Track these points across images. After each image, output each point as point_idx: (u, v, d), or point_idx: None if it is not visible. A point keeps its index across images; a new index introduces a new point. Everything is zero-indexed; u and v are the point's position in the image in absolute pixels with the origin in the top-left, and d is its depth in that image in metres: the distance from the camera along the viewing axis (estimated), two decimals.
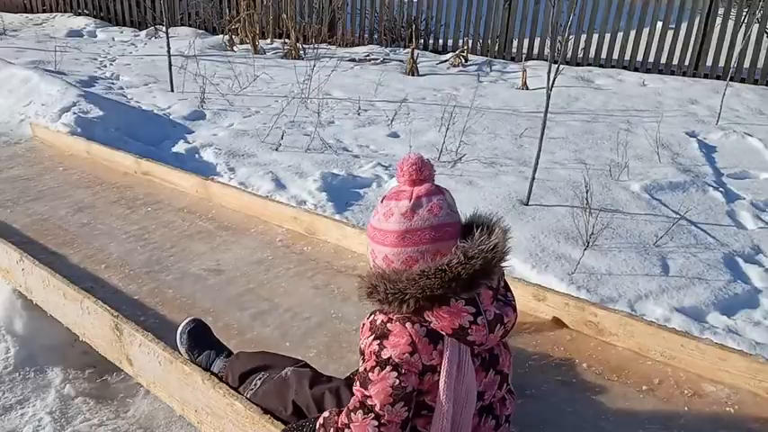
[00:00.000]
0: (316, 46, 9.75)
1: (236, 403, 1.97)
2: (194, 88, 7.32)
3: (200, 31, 10.78)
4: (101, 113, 5.84)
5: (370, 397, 1.54)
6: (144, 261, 3.22)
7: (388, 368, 1.52)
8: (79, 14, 11.98)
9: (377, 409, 1.54)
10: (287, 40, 9.67)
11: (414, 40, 9.63)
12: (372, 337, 1.57)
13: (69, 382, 2.99)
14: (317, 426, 1.70)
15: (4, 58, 7.86)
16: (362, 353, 1.59)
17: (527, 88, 8.45)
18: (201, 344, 2.28)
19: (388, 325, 1.56)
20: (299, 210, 3.51)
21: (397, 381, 1.52)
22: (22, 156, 5.10)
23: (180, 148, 5.66)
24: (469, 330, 1.55)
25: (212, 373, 2.14)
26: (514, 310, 1.69)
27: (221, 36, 10.25)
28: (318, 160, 5.39)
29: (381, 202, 1.63)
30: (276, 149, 5.60)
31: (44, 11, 12.43)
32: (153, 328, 2.57)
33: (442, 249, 1.55)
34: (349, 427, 1.58)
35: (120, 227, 3.63)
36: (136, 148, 5.46)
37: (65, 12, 12.16)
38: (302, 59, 9.11)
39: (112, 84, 7.90)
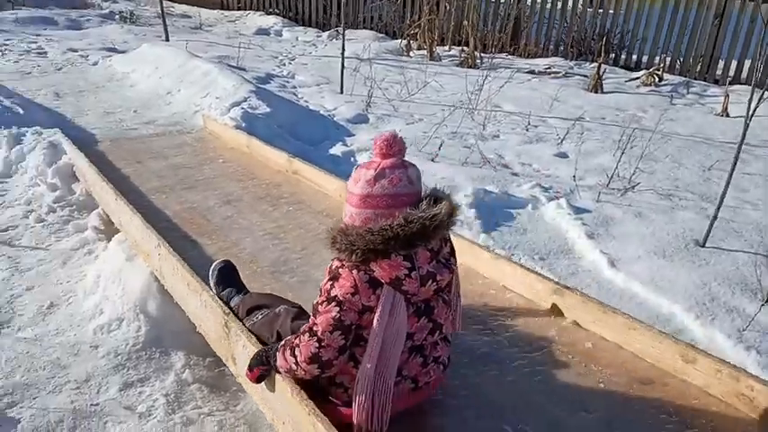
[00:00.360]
0: (494, 55, 9.64)
1: (319, 424, 1.93)
2: (363, 91, 7.47)
3: (381, 35, 11.03)
4: (267, 110, 6.11)
5: (317, 324, 1.95)
6: (272, 260, 3.29)
7: (333, 304, 1.92)
8: (270, 13, 12.69)
9: (319, 334, 1.94)
10: (465, 48, 9.63)
11: (603, 54, 9.23)
12: (328, 278, 1.96)
13: (189, 368, 3.10)
14: (279, 346, 2.10)
15: (192, 52, 8.49)
16: (320, 290, 1.97)
17: (727, 115, 7.77)
18: (227, 282, 2.81)
19: (340, 270, 1.94)
20: None
21: (338, 314, 1.91)
22: (190, 145, 5.44)
23: (337, 150, 5.79)
24: (404, 282, 1.91)
25: (230, 308, 2.62)
26: (451, 272, 2.06)
27: (400, 40, 10.41)
28: (474, 175, 5.29)
29: (356, 168, 1.98)
30: (432, 160, 5.57)
31: (239, 8, 13.29)
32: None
33: (396, 214, 1.88)
34: (298, 346, 1.99)
35: (259, 223, 3.75)
36: (294, 146, 5.66)
37: (257, 10, 12.93)
38: (477, 68, 9.03)
39: (287, 82, 8.26)
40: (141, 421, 2.75)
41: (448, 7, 10.20)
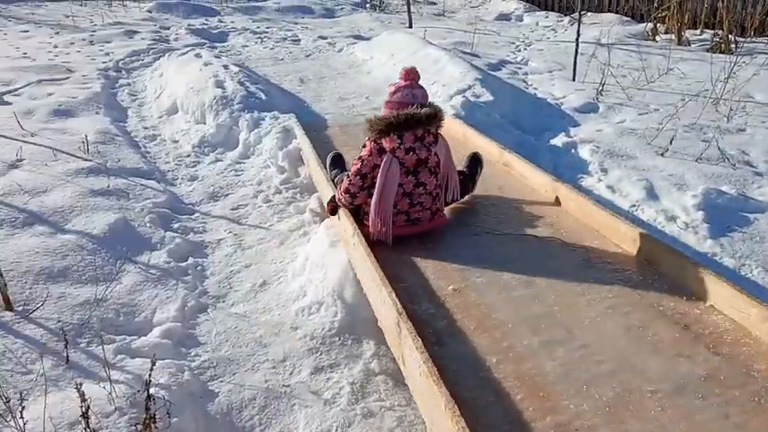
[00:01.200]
0: (752, 39, 8.56)
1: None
2: (597, 78, 7.01)
3: (626, 19, 10.28)
4: (490, 98, 5.94)
5: (350, 173, 3.39)
6: (464, 258, 3.16)
7: (360, 160, 3.32)
8: None
9: (350, 175, 3.36)
10: (719, 32, 8.66)
11: None
12: (362, 147, 3.34)
13: (377, 358, 3.08)
14: (336, 181, 3.81)
15: (429, 39, 8.51)
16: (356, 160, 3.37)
17: None
18: (337, 165, 4.17)
19: (366, 142, 3.35)
20: (641, 232, 3.05)
21: (360, 167, 3.30)
22: None
23: (558, 140, 5.47)
24: (396, 151, 3.22)
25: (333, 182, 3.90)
26: (429, 152, 3.30)
27: (645, 24, 9.63)
28: (707, 172, 4.72)
29: (390, 86, 3.41)
30: (662, 154, 5.06)
31: None
32: (438, 331, 2.50)
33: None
34: (341, 184, 3.46)
35: (459, 216, 3.63)
36: (513, 136, 5.44)
37: None
38: (731, 54, 8.08)
39: (519, 69, 8.00)
40: (325, 408, 2.77)
41: None
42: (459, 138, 5.02)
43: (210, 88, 6.16)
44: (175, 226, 4.31)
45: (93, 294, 3.32)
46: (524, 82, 7.35)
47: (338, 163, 4.15)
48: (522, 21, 11.40)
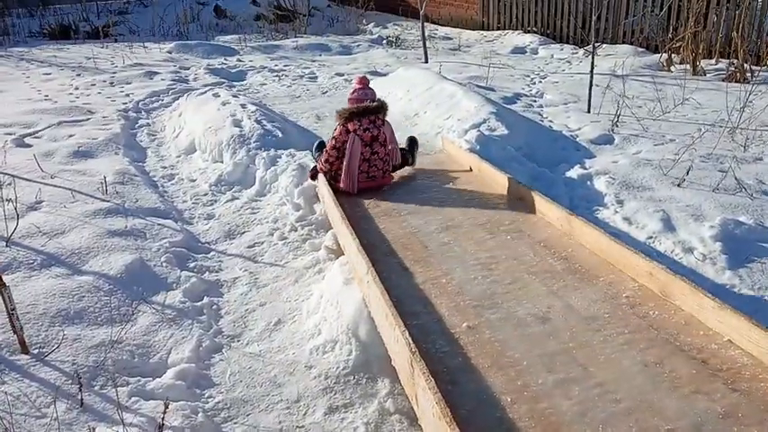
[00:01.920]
0: None
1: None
2: (612, 110, 6.99)
3: (641, 50, 10.27)
4: (505, 132, 5.94)
5: (328, 147, 4.90)
6: (478, 294, 3.13)
7: (333, 140, 4.83)
8: (528, 32, 12.45)
9: (328, 149, 4.87)
10: (734, 61, 8.63)
11: None
12: (333, 131, 4.92)
13: (392, 397, 3.04)
14: (317, 156, 5.27)
15: (445, 74, 8.56)
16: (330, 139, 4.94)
17: None
18: (320, 149, 5.27)
19: (337, 127, 4.88)
20: (657, 266, 3.00)
21: (334, 143, 4.82)
22: (426, 167, 5.46)
23: (574, 173, 5.44)
24: (357, 131, 4.72)
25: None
26: (378, 130, 4.82)
27: (660, 55, 9.62)
28: (725, 203, 4.66)
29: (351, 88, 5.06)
30: (678, 185, 5.01)
31: (498, 28, 13.23)
32: (451, 369, 2.47)
33: (356, 105, 4.82)
34: (321, 158, 4.98)
35: (473, 252, 3.61)
36: (528, 169, 5.42)
37: (516, 29, 12.76)
38: (747, 83, 8.03)
39: (534, 101, 8.01)
40: None
41: (717, 18, 9.20)
42: (475, 172, 5.02)
43: (228, 127, 6.23)
44: (191, 265, 4.32)
45: (108, 336, 3.32)
46: (540, 115, 7.35)
47: (321, 147, 5.31)
48: (536, 54, 11.43)
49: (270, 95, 8.69)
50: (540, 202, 4.07)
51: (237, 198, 5.43)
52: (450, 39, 13.08)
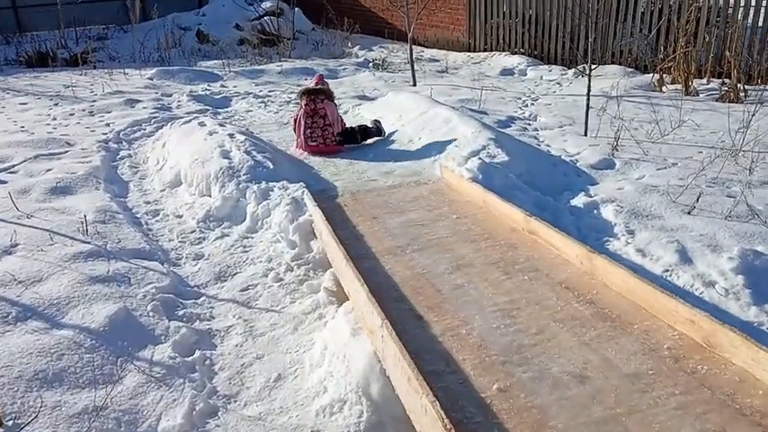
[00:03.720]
0: (763, 87, 8.35)
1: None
2: (609, 133, 6.76)
3: (630, 70, 10.08)
4: (506, 159, 5.66)
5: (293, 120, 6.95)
6: (503, 346, 2.82)
7: (294, 114, 6.97)
8: (515, 53, 12.25)
9: (293, 122, 6.95)
10: (726, 80, 8.45)
11: None
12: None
13: None
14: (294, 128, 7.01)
15: (436, 97, 8.30)
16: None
17: None
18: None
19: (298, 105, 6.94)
20: (699, 313, 2.72)
21: (295, 117, 6.86)
22: (425, 198, 5.17)
23: (579, 201, 5.17)
24: (303, 106, 6.69)
25: None
26: (316, 105, 6.66)
27: (651, 75, 9.44)
28: (739, 231, 4.41)
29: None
30: (689, 212, 4.75)
31: (485, 49, 13.03)
32: None
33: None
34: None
35: (490, 295, 3.31)
36: (531, 198, 5.14)
37: (502, 51, 12.57)
38: (741, 103, 7.84)
39: (528, 125, 7.76)
40: None
41: (707, 37, 9.02)
42: (480, 204, 4.73)
43: (216, 159, 5.90)
44: (180, 313, 3.99)
45: (91, 401, 2.97)
46: (536, 139, 7.10)
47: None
48: (525, 75, 11.22)
49: (257, 123, 8.37)
50: (555, 237, 3.78)
51: (228, 235, 5.09)
52: (437, 61, 12.86)
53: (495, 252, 3.84)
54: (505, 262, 3.68)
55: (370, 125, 7.16)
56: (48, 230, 4.87)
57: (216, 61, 12.84)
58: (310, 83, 7.02)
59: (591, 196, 5.21)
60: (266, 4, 15.18)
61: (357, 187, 5.68)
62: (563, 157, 6.30)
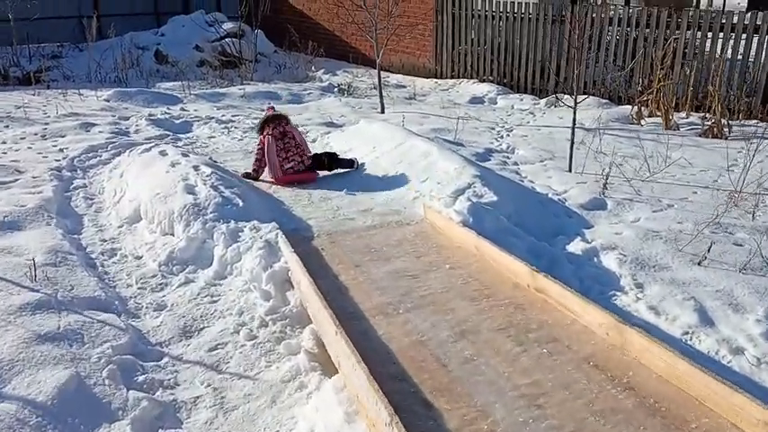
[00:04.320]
0: (743, 122, 8.11)
1: None
2: (594, 168, 6.40)
3: (604, 101, 9.79)
4: (494, 198, 5.21)
5: (257, 157, 6.53)
6: None
7: (259, 152, 6.48)
8: (483, 81, 11.92)
9: (257, 160, 6.51)
10: (707, 115, 8.19)
11: None
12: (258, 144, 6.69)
13: None
14: (252, 168, 6.60)
15: (407, 126, 7.85)
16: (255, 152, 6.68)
17: None
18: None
19: (260, 138, 6.58)
20: None
21: (259, 146, 6.50)
22: (411, 241, 4.69)
23: (576, 247, 4.75)
24: (269, 133, 6.41)
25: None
26: (284, 128, 6.51)
27: (627, 107, 9.17)
28: (758, 286, 4.03)
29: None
30: (698, 263, 4.37)
31: (452, 76, 12.68)
32: None
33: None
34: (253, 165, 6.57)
35: (507, 374, 2.83)
36: (526, 243, 4.70)
37: (471, 78, 12.23)
38: (725, 139, 7.58)
39: (507, 158, 7.36)
40: None
41: (688, 72, 8.74)
42: (473, 251, 4.26)
43: (180, 194, 5.32)
44: (140, 379, 3.42)
45: None
46: (518, 174, 6.69)
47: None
48: (496, 103, 10.86)
49: (220, 150, 7.81)
50: (571, 299, 3.32)
51: (193, 281, 4.52)
52: (404, 87, 12.45)
53: (501, 314, 3.37)
54: (516, 328, 3.20)
55: (339, 156, 6.84)
56: None
57: (175, 83, 12.19)
58: (265, 114, 6.77)
59: (588, 242, 4.80)
60: (227, 26, 14.60)
61: (334, 227, 5.17)
62: (550, 195, 5.89)
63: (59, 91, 11.27)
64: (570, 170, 6.59)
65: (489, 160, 7.21)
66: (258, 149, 6.44)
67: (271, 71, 13.89)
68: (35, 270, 4.30)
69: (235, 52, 13.91)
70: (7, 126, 8.78)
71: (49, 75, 12.46)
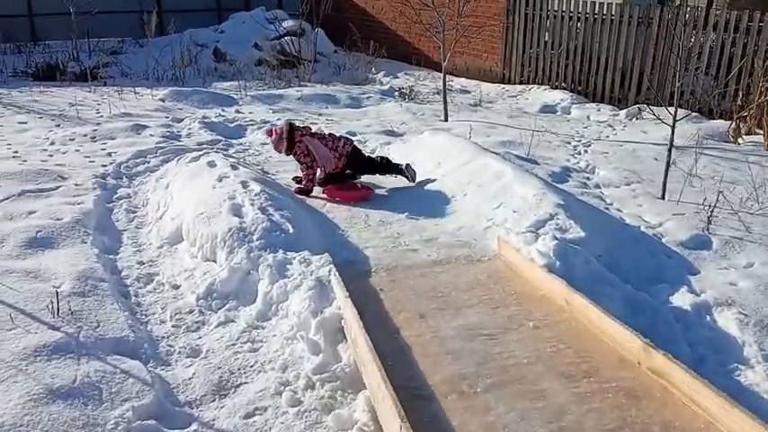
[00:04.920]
0: None
1: None
2: (691, 195, 5.59)
3: (694, 114, 8.83)
4: (581, 234, 4.47)
5: (308, 170, 5.84)
6: None
7: (304, 165, 5.86)
8: (555, 87, 11.09)
9: (305, 166, 5.84)
10: None
11: None
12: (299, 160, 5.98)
13: None
14: (304, 181, 5.95)
15: (475, 140, 7.12)
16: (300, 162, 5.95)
17: None
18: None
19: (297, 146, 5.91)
20: None
21: (303, 157, 5.85)
22: (484, 285, 4.01)
23: (682, 299, 3.98)
24: (303, 134, 5.94)
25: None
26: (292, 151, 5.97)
27: (719, 122, 8.24)
28: None
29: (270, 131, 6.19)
30: None
31: (521, 82, 11.88)
32: None
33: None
34: (306, 176, 5.90)
35: None
36: (622, 294, 3.96)
37: (541, 84, 11.41)
38: None
39: (587, 179, 6.58)
40: None
41: None
42: (562, 305, 3.55)
43: (225, 215, 4.74)
44: None
45: None
46: (601, 199, 5.92)
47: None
48: (569, 113, 10.03)
49: (272, 160, 7.22)
50: (704, 392, 2.56)
51: (233, 320, 3.93)
52: (469, 92, 11.71)
53: (609, 406, 2.64)
54: (631, 427, 2.48)
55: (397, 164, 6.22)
56: (10, 306, 3.76)
57: (232, 83, 11.74)
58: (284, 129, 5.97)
59: (697, 293, 4.02)
60: (287, 23, 14.07)
61: (394, 259, 4.51)
62: (643, 228, 5.11)
63: (115, 88, 10.93)
64: (663, 197, 5.77)
65: (567, 181, 6.45)
66: (303, 155, 5.84)
67: (330, 72, 13.32)
68: (58, 303, 3.78)
69: (294, 51, 13.38)
70: (59, 125, 8.42)
71: (107, 71, 12.15)
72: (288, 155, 6.02)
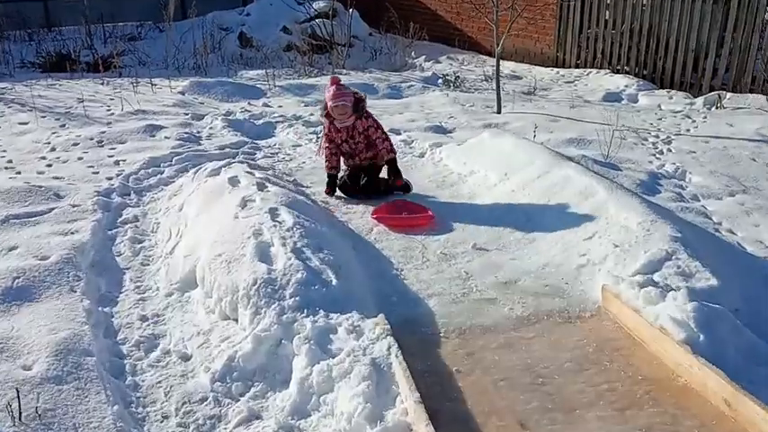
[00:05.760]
0: None
1: None
2: None
3: None
4: (712, 283, 3.35)
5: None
6: None
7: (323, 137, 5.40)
8: (617, 72, 9.85)
9: (323, 146, 5.43)
10: None
11: None
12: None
13: None
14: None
15: (555, 149, 5.91)
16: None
17: None
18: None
19: (323, 126, 5.43)
20: None
21: (324, 139, 5.36)
22: (595, 363, 2.95)
23: None
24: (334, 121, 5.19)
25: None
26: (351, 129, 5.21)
27: None
28: None
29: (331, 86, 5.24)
30: None
31: (577, 66, 10.64)
32: None
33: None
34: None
35: None
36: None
37: (600, 68, 10.17)
38: None
39: (680, 188, 5.44)
40: None
41: None
42: (719, 407, 2.47)
43: (249, 260, 3.69)
44: None
45: None
46: (707, 217, 4.80)
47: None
48: (636, 101, 8.80)
49: (306, 167, 6.19)
50: None
51: (259, 417, 2.92)
52: (520, 78, 10.53)
53: None
54: None
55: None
56: None
57: (259, 71, 10.68)
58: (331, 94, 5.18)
59: None
60: (318, 5, 12.94)
61: (467, 316, 3.45)
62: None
63: (131, 80, 9.91)
64: None
65: (659, 192, 5.33)
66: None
67: (365, 57, 12.21)
68: (20, 402, 2.78)
69: (326, 35, 12.25)
70: (63, 126, 7.46)
71: (123, 60, 11.16)
72: (346, 124, 5.20)
